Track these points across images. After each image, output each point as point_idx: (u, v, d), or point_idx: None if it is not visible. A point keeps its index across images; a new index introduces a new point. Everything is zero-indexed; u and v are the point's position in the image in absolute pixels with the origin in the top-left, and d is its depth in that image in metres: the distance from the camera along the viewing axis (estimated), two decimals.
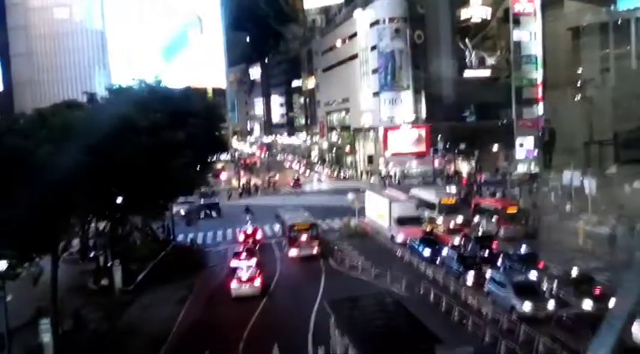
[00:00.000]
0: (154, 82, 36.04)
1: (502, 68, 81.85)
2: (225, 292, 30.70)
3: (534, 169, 69.05)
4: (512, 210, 41.33)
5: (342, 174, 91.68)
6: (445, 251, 33.74)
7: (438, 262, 33.10)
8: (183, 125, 32.07)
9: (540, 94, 79.62)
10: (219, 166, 77.04)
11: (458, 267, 30.52)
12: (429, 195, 47.55)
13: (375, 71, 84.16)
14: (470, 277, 29.40)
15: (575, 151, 57.20)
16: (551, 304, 24.52)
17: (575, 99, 69.68)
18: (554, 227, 39.14)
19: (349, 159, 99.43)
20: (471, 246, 34.89)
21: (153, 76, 36.65)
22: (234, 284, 30.20)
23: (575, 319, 22.02)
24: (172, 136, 29.44)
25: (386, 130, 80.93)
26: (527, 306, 24.25)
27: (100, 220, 33.46)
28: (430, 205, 46.01)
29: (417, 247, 36.35)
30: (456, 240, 37.11)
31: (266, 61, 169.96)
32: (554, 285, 26.75)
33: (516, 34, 69.63)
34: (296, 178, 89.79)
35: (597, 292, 24.90)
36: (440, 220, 42.92)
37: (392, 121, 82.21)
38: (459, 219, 42.71)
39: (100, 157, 23.07)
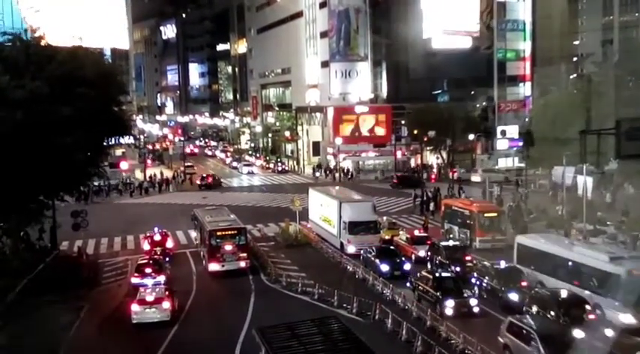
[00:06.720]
0: (32, 39, 35.11)
1: (482, 36, 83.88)
2: (123, 318, 30.30)
3: (518, 163, 71.17)
4: (490, 215, 42.34)
5: (279, 166, 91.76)
6: (408, 266, 34.42)
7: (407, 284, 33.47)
8: (69, 97, 31.35)
9: (528, 71, 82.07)
10: (118, 152, 75.74)
11: (435, 291, 30.45)
12: (583, 255, 29.88)
13: (324, 35, 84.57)
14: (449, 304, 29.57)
15: (569, 142, 59.02)
16: None
17: (571, 77, 72.00)
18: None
19: (289, 147, 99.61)
20: (440, 260, 35.61)
21: (31, 31, 35.74)
22: (135, 307, 29.81)
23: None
24: (56, 110, 28.64)
25: (337, 111, 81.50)
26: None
27: None
28: (589, 277, 29.13)
29: (372, 259, 36.79)
30: (421, 252, 37.86)
31: (183, 16, 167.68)
32: (540, 308, 27.65)
33: None
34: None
35: (591, 317, 25.95)
36: None
37: (345, 99, 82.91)
38: None
39: None
